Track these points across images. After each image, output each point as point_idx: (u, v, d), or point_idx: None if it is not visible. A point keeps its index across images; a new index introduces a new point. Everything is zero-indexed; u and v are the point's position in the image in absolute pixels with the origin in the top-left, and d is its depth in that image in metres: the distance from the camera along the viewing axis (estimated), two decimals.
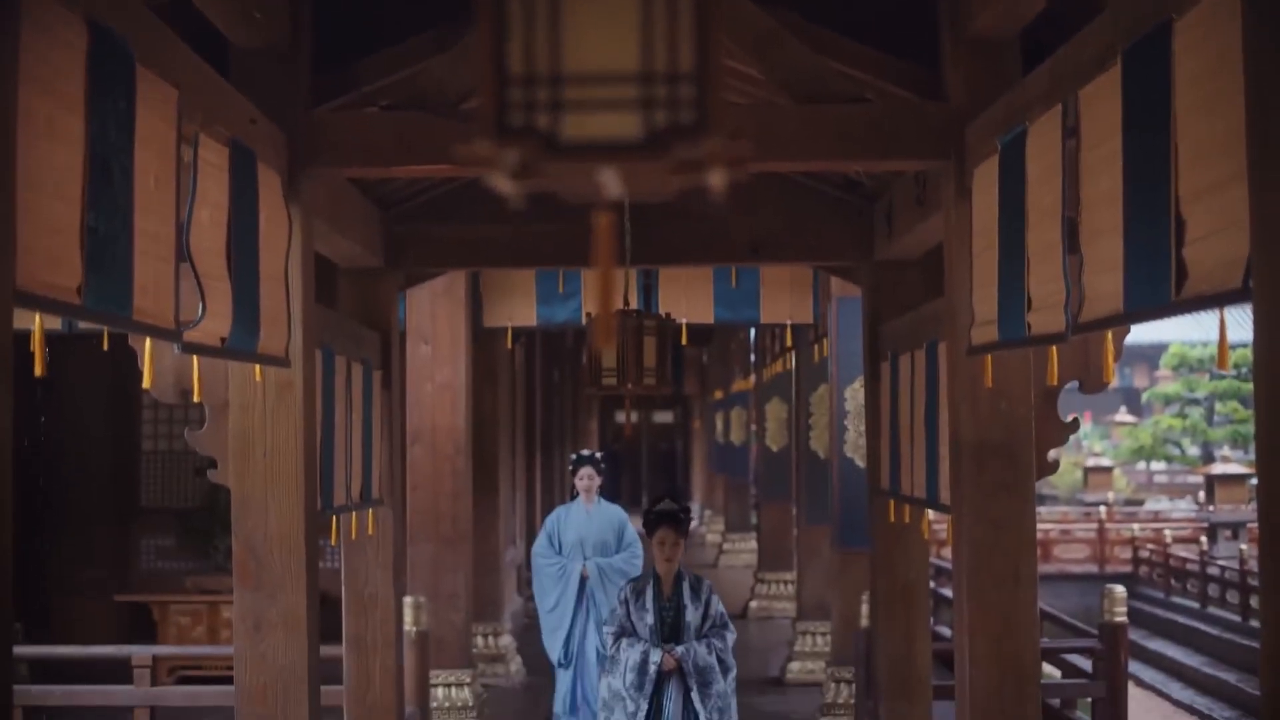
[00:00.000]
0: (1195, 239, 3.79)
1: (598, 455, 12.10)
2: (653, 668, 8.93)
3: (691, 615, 9.09)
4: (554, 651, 11.53)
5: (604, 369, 7.93)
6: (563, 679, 11.52)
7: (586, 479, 11.76)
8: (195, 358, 5.31)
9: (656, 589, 9.15)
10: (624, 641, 9.07)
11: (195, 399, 5.58)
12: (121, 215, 4.16)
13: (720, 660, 9.02)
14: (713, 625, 9.13)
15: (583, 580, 11.41)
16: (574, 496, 11.94)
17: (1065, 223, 4.85)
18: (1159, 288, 4.01)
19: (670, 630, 9.09)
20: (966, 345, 6.35)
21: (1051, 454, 6.92)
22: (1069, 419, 7.05)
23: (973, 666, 6.68)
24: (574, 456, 12.26)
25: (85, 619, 14.65)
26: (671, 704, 9.00)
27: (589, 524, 11.65)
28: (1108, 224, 4.38)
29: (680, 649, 8.99)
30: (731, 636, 9.19)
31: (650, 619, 9.06)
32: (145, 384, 4.75)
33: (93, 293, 3.92)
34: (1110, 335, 5.34)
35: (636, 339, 7.89)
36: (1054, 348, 5.43)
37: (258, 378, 6.33)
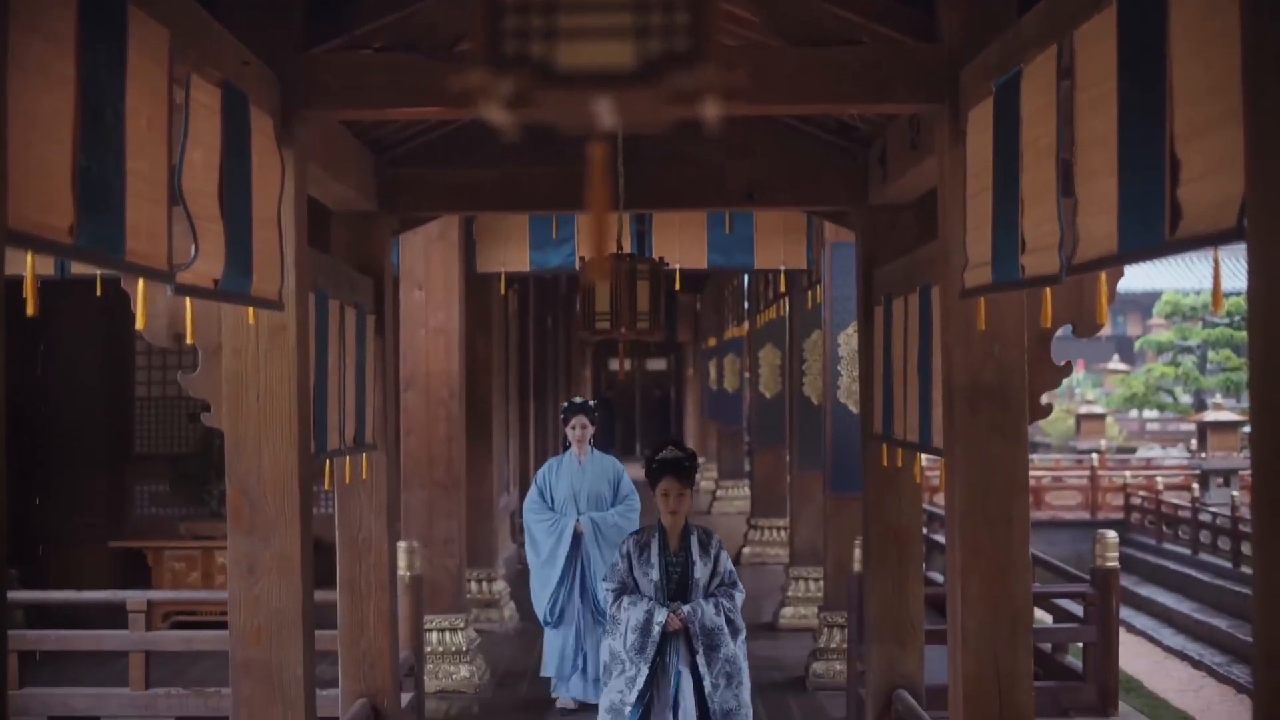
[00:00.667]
0: (1190, 179, 3.79)
1: (591, 403, 11.80)
2: (656, 628, 8.34)
3: (700, 572, 8.52)
4: (539, 606, 11.30)
5: (597, 313, 7.92)
6: (552, 640, 11.34)
7: (579, 428, 11.43)
8: (188, 300, 5.29)
9: (662, 543, 8.59)
10: (625, 600, 8.49)
11: (188, 341, 5.57)
12: (113, 156, 4.15)
13: (729, 621, 8.45)
14: (721, 583, 8.57)
15: (577, 536, 11.21)
16: (566, 447, 11.59)
17: (1060, 164, 4.84)
18: (1153, 228, 4.00)
19: (677, 588, 8.52)
20: (960, 288, 6.35)
21: (1044, 398, 6.94)
22: (1062, 364, 7.06)
23: (965, 609, 6.70)
24: (565, 405, 11.92)
25: (80, 565, 14.69)
26: (676, 666, 8.42)
27: (582, 476, 11.36)
28: (1102, 165, 4.37)
29: (687, 608, 8.42)
30: (740, 596, 8.61)
31: (655, 575, 8.51)
32: (138, 325, 4.73)
33: (85, 233, 3.91)
34: (1104, 278, 5.34)
35: (630, 283, 7.88)
36: (1048, 290, 5.42)
37: (251, 320, 6.33)
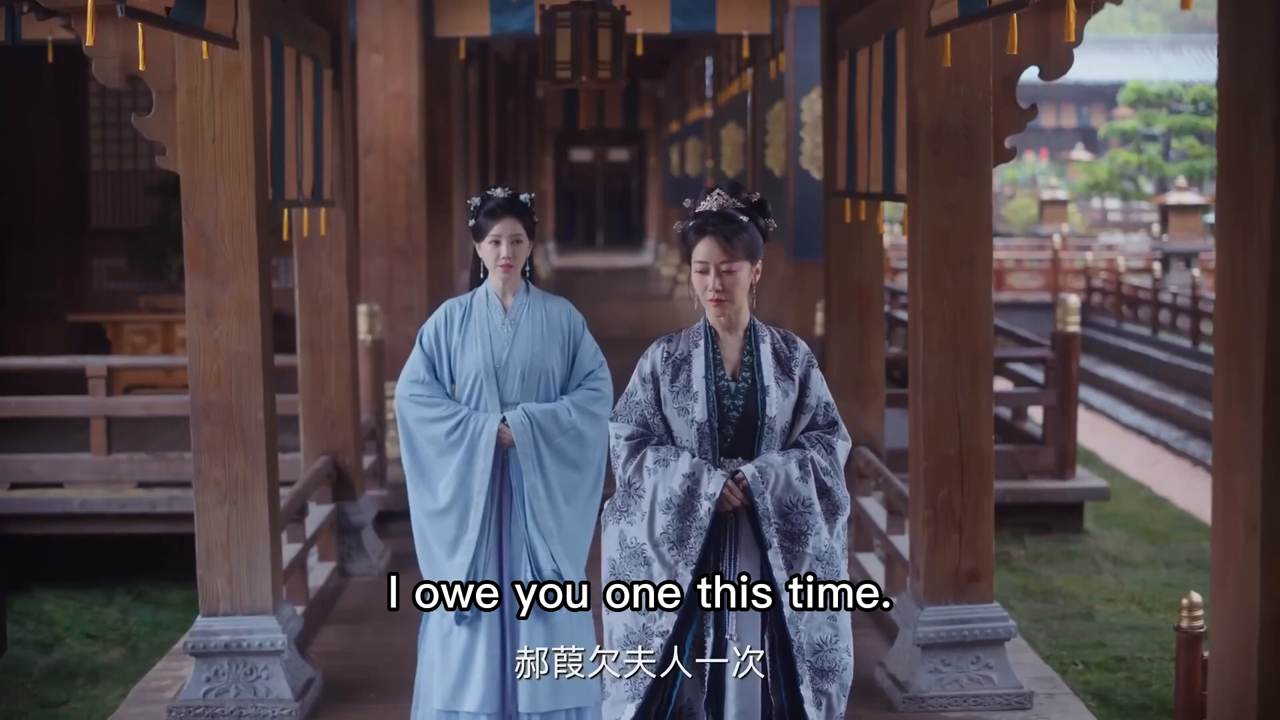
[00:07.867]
0: None
1: (526, 198, 5.99)
2: (706, 506, 4.83)
3: (777, 404, 4.96)
4: (438, 583, 5.36)
5: (558, 62, 7.81)
6: (451, 645, 5.93)
7: (508, 243, 5.88)
8: (140, 28, 5.21)
9: (711, 354, 5.01)
10: (649, 455, 4.97)
11: (140, 68, 5.48)
12: None
13: (824, 491, 4.94)
14: (812, 424, 5.06)
15: (501, 449, 5.92)
16: (480, 279, 6.07)
17: None
18: None
19: (736, 432, 4.96)
20: (926, 27, 6.28)
21: (1008, 142, 6.87)
22: (1027, 107, 6.97)
23: (926, 353, 6.73)
24: (474, 201, 6.00)
25: (39, 340, 14.62)
26: (731, 566, 4.94)
27: (510, 337, 5.97)
28: None
29: (750, 469, 4.87)
30: (844, 447, 5.06)
31: (698, 410, 4.94)
32: (88, 42, 4.64)
33: None
34: (1071, 13, 5.30)
35: (590, 32, 7.76)
36: (1014, 18, 5.35)
37: (205, 57, 6.23)
